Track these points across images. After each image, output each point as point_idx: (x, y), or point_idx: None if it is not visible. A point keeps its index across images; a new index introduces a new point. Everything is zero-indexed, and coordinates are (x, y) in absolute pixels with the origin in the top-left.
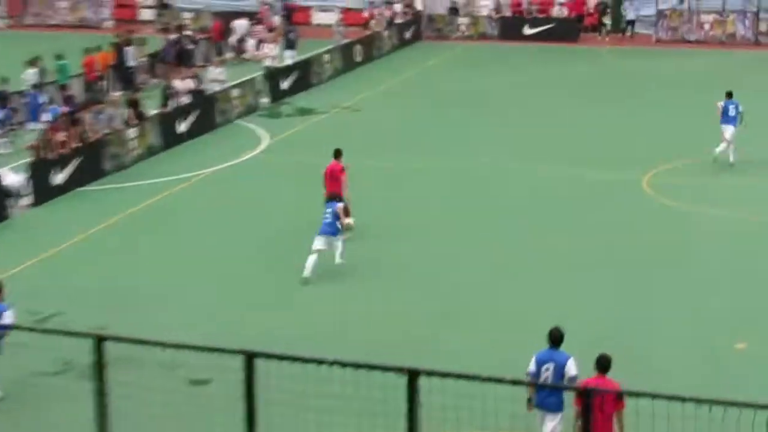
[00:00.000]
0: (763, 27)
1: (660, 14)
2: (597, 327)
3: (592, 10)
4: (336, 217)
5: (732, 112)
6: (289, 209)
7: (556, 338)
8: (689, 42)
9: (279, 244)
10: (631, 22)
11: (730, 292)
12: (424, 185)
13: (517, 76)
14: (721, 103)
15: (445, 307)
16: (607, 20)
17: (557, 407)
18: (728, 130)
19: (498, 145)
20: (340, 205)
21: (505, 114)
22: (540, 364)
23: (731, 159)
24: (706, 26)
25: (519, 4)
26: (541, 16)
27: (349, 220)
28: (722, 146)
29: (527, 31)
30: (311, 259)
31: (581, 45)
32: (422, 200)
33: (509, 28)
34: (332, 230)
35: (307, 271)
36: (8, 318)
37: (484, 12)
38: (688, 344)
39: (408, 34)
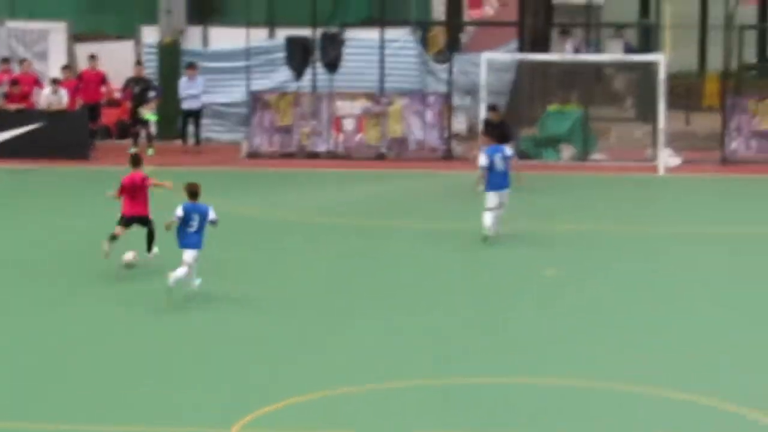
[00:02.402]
0: (459, 123)
1: (256, 100)
2: None
3: (120, 95)
4: (203, 224)
5: (500, 164)
6: None
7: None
8: (316, 156)
9: None
10: (193, 117)
11: None
12: None
13: None
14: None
15: None
16: (151, 114)
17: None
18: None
19: None
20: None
21: None
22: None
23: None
24: (349, 124)
25: None
26: (12, 107)
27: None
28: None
29: None
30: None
31: (97, 165)
32: None
33: None
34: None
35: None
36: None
37: None
38: None
39: None
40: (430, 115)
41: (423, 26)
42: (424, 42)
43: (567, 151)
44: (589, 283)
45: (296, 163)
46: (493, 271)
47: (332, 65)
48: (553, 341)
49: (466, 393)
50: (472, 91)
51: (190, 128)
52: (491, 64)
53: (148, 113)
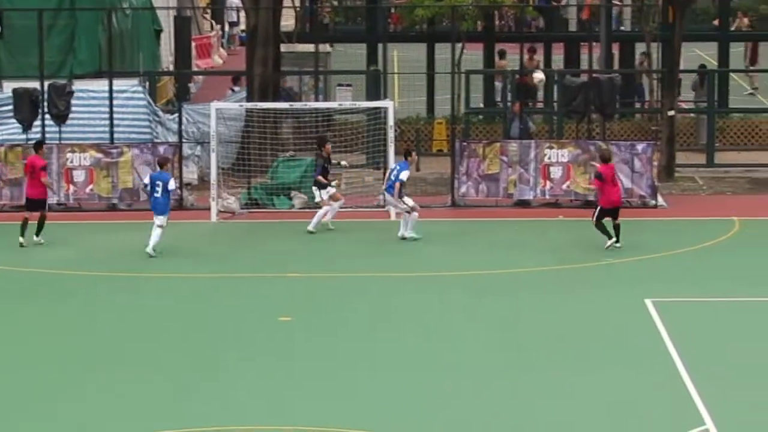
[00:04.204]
0: (191, 173)
1: None
2: None
3: None
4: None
5: None
6: None
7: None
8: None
9: None
10: None
11: None
12: None
13: None
14: None
15: None
16: None
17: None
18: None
19: None
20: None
21: None
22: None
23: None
24: (79, 176)
25: None
26: None
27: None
28: None
29: None
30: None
31: None
32: None
33: None
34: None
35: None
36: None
37: None
38: None
39: None
40: None
41: (151, 76)
42: (153, 92)
43: (298, 199)
44: (320, 329)
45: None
46: (227, 318)
47: (61, 117)
48: (284, 388)
49: None
50: (202, 141)
51: None
52: (221, 113)
53: None
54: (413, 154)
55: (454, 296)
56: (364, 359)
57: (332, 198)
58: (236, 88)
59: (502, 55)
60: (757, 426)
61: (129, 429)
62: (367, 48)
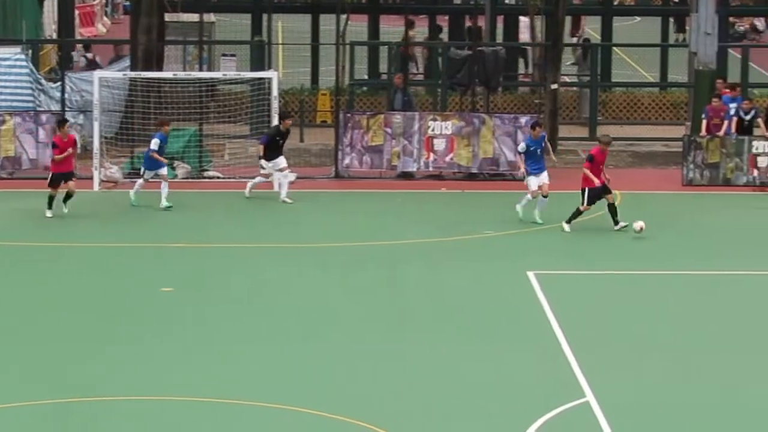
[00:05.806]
0: None
1: None
2: None
3: None
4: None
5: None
6: None
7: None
8: None
9: None
10: None
11: None
12: None
13: None
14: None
15: None
16: None
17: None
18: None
19: None
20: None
21: None
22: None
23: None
24: None
25: None
26: None
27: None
28: None
29: None
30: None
31: None
32: None
33: None
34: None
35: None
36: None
37: None
38: None
39: None
40: (43, 134)
41: (34, 45)
42: (36, 60)
43: (181, 169)
44: (202, 300)
45: None
46: (108, 288)
47: None
48: (165, 358)
49: (85, 412)
50: (85, 109)
51: None
52: (104, 82)
53: None
54: (536, 128)
55: (335, 267)
56: (244, 330)
57: (280, 169)
58: (89, 55)
59: (410, 25)
60: (635, 397)
61: (9, 398)
62: (251, 18)
